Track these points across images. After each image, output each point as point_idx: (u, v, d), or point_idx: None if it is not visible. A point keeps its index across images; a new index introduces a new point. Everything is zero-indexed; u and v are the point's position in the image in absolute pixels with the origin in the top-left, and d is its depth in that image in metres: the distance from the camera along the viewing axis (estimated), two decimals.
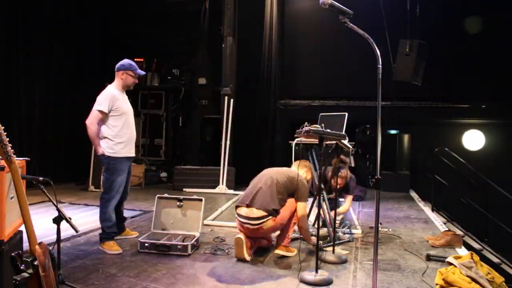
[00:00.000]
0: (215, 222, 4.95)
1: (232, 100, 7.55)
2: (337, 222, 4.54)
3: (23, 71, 7.05)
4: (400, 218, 5.60)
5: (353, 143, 4.51)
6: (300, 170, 3.73)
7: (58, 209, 2.50)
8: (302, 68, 9.08)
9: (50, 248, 2.08)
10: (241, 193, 7.12)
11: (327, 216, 4.26)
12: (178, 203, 4.10)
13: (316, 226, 3.29)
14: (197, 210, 4.08)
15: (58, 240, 2.57)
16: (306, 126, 3.32)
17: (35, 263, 1.90)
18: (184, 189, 7.28)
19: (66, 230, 2.93)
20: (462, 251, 4.00)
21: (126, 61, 3.94)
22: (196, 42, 8.81)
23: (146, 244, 3.71)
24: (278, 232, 3.74)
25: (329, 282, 3.07)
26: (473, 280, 2.92)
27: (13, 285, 1.81)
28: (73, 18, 8.09)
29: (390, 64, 7.51)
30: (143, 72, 4.14)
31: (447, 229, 4.85)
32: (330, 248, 3.74)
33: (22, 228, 2.52)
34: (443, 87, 8.11)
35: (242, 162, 8.02)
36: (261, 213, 3.46)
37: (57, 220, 2.51)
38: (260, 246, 3.84)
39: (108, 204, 3.80)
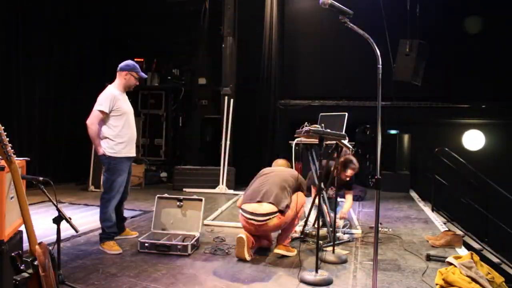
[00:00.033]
0: (215, 222, 4.95)
1: (232, 100, 7.55)
2: (340, 222, 4.55)
3: (23, 71, 7.05)
4: (400, 218, 5.60)
5: (353, 143, 4.52)
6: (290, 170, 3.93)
7: (58, 209, 2.50)
8: (302, 68, 9.08)
9: (50, 248, 2.08)
10: (241, 193, 7.15)
11: (327, 216, 4.26)
12: (178, 203, 4.10)
13: (316, 226, 3.29)
14: (197, 210, 4.08)
15: (58, 240, 2.57)
16: (306, 126, 3.32)
17: (35, 263, 1.90)
18: (184, 189, 7.28)
19: (66, 230, 2.93)
20: (462, 251, 4.00)
21: (130, 62, 3.96)
22: (196, 42, 8.81)
23: (146, 244, 3.71)
24: (278, 232, 3.75)
25: (329, 282, 3.07)
26: (473, 280, 2.92)
27: (13, 285, 1.81)
28: (73, 18, 8.09)
29: (390, 64, 7.51)
30: (145, 76, 4.17)
31: (447, 229, 4.85)
32: (330, 248, 3.74)
33: (22, 228, 2.52)
34: (443, 87, 8.11)
35: (242, 162, 8.02)
36: (272, 208, 3.44)
37: (57, 220, 2.51)
38: (261, 246, 3.83)
39: (109, 204, 3.80)
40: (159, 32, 8.97)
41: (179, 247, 3.66)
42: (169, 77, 9.09)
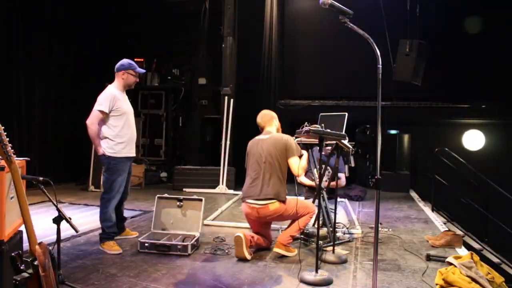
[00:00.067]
0: (215, 222, 4.95)
1: (232, 100, 7.55)
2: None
3: (23, 71, 7.05)
4: (400, 218, 5.59)
5: (353, 143, 4.51)
6: (272, 127, 3.96)
7: (58, 209, 2.50)
8: (302, 68, 9.08)
9: (50, 248, 2.08)
10: (241, 193, 7.15)
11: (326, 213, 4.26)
12: (178, 203, 4.10)
13: (316, 226, 3.29)
14: (197, 210, 4.08)
15: (58, 240, 2.57)
16: (306, 126, 3.32)
17: (35, 263, 1.90)
18: (184, 189, 7.28)
19: (66, 230, 2.93)
20: (462, 251, 4.00)
21: (125, 61, 3.95)
22: (196, 42, 8.81)
23: (146, 244, 3.71)
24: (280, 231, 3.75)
25: (329, 282, 3.07)
26: (473, 280, 2.92)
27: (13, 285, 1.81)
28: (73, 18, 8.09)
29: (390, 64, 7.51)
30: (143, 70, 4.15)
31: (447, 229, 4.85)
32: (330, 248, 3.74)
33: (22, 228, 2.52)
34: (443, 87, 8.12)
35: (242, 162, 8.01)
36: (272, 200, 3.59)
37: (57, 220, 2.51)
38: (260, 246, 3.84)
39: (109, 204, 3.80)
40: (159, 32, 8.98)
41: (179, 247, 3.66)
42: (169, 77, 9.10)
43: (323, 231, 4.10)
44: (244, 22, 8.03)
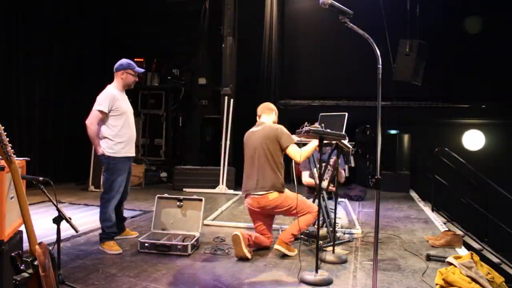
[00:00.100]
0: (215, 222, 4.95)
1: (232, 100, 7.55)
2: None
3: (23, 71, 7.05)
4: (400, 218, 5.59)
5: (353, 143, 4.51)
6: (269, 117, 3.98)
7: (58, 209, 2.50)
8: (302, 68, 9.08)
9: (50, 248, 2.08)
10: (241, 193, 7.15)
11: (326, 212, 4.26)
12: (178, 203, 4.10)
13: (316, 226, 3.29)
14: (197, 210, 4.08)
15: (58, 240, 2.57)
16: (306, 126, 3.32)
17: (35, 263, 1.90)
18: (184, 189, 7.28)
19: (66, 230, 2.93)
20: (462, 251, 4.00)
21: (124, 61, 3.95)
22: (196, 42, 8.81)
23: (146, 244, 3.71)
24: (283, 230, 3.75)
25: (329, 282, 3.07)
26: (473, 280, 2.92)
27: (13, 285, 1.81)
28: (73, 18, 8.09)
29: (390, 64, 7.51)
30: (142, 70, 4.14)
31: (447, 229, 4.85)
32: (330, 248, 3.74)
33: (22, 228, 2.52)
34: (443, 87, 8.12)
35: (242, 162, 8.00)
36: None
37: (57, 220, 2.51)
38: (260, 246, 3.84)
39: (108, 204, 3.79)
40: (159, 32, 8.98)
41: (179, 247, 3.66)
42: (169, 77, 9.09)
43: (323, 231, 4.11)
44: (244, 22, 8.03)
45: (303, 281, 3.07)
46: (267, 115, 3.99)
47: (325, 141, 3.39)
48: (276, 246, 3.69)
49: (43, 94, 7.49)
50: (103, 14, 8.95)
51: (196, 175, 7.47)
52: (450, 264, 3.23)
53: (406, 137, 8.32)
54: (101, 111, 3.72)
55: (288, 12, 9.11)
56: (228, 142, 7.44)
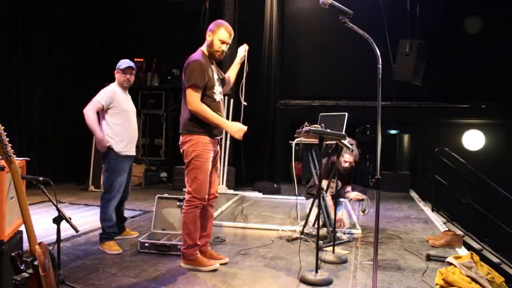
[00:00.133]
0: (215, 222, 4.94)
1: (232, 100, 7.55)
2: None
3: (23, 71, 7.05)
4: (400, 218, 5.60)
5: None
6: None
7: (58, 209, 2.50)
8: (302, 68, 9.08)
9: (50, 248, 2.08)
10: (241, 193, 7.18)
11: (330, 212, 4.26)
12: (178, 203, 4.10)
13: (316, 226, 3.29)
14: None
15: (58, 240, 2.57)
16: (306, 126, 3.32)
17: (35, 263, 1.90)
18: (184, 189, 7.26)
19: (66, 230, 2.93)
20: (462, 251, 4.00)
21: (120, 61, 3.94)
22: (196, 42, 8.73)
23: (146, 244, 3.71)
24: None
25: (329, 282, 3.07)
26: (473, 280, 2.92)
27: (13, 285, 1.81)
28: (73, 18, 8.09)
29: (390, 64, 7.51)
30: (126, 64, 3.89)
31: (447, 229, 4.85)
32: (330, 248, 3.74)
33: (22, 228, 2.52)
34: (443, 87, 8.12)
35: (242, 162, 8.02)
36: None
37: (57, 220, 2.51)
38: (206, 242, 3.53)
39: (109, 204, 3.78)
40: (159, 32, 8.98)
41: (179, 247, 3.66)
42: (169, 77, 9.09)
43: (323, 231, 4.11)
44: (244, 22, 8.03)
45: (303, 281, 3.07)
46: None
47: (325, 141, 3.39)
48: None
49: (43, 94, 7.49)
50: (103, 14, 8.95)
51: None
52: (450, 264, 3.23)
53: (406, 137, 8.32)
54: (98, 101, 3.72)
55: (288, 12, 9.11)
56: (228, 142, 7.44)
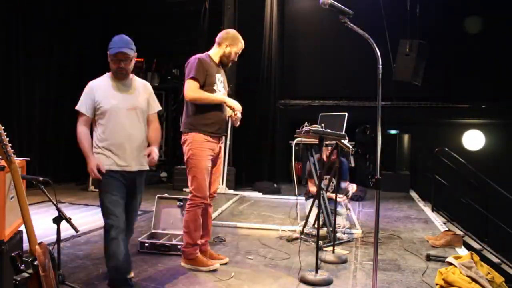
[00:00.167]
0: (215, 222, 4.95)
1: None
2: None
3: (23, 71, 7.05)
4: (400, 218, 5.59)
5: (353, 143, 4.51)
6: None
7: (58, 209, 2.50)
8: (302, 68, 9.09)
9: (50, 248, 2.08)
10: (241, 193, 7.18)
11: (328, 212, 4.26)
12: (178, 203, 4.10)
13: (316, 226, 3.29)
14: None
15: (58, 240, 2.57)
16: (306, 126, 3.32)
17: (35, 263, 1.90)
18: (184, 189, 7.27)
19: (66, 230, 2.92)
20: (462, 251, 4.00)
21: (112, 40, 3.10)
22: (196, 42, 8.80)
23: (146, 244, 3.71)
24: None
25: (329, 282, 3.07)
26: (473, 280, 2.92)
27: (13, 285, 1.81)
28: (73, 18, 8.09)
29: (390, 64, 7.51)
30: (117, 49, 3.01)
31: (447, 229, 4.85)
32: (330, 248, 3.74)
33: (22, 228, 2.52)
34: (443, 87, 8.12)
35: (242, 162, 8.02)
36: None
37: (57, 220, 2.51)
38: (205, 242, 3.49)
39: (108, 236, 2.67)
40: (159, 32, 8.97)
41: (179, 247, 3.66)
42: (169, 77, 9.09)
43: (323, 231, 4.11)
44: (244, 22, 8.03)
45: (303, 281, 3.07)
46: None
47: (325, 141, 3.39)
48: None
49: (43, 94, 7.49)
50: (103, 14, 8.95)
51: None
52: (450, 264, 3.23)
53: (406, 137, 8.32)
54: (78, 111, 2.89)
55: (288, 12, 9.11)
56: (228, 142, 7.43)
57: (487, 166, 7.14)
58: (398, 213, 5.94)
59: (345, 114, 4.36)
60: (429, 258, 3.66)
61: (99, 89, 2.91)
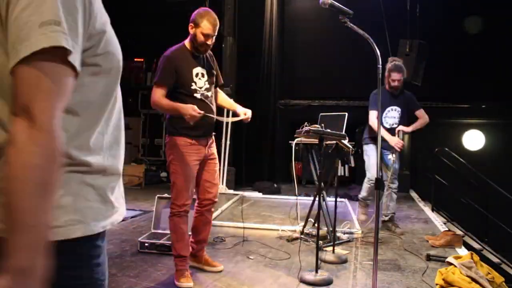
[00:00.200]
0: (215, 222, 4.94)
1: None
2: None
3: None
4: (400, 218, 5.59)
5: (353, 143, 4.51)
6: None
7: None
8: (302, 68, 9.09)
9: None
10: (241, 193, 7.17)
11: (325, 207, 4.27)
12: None
13: (316, 226, 3.30)
14: None
15: None
16: (306, 126, 3.32)
17: None
18: None
19: None
20: (462, 251, 4.00)
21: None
22: None
23: (146, 244, 3.71)
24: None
25: (329, 282, 3.07)
26: (473, 280, 2.92)
27: None
28: None
29: None
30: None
31: (447, 229, 4.85)
32: (330, 248, 3.74)
33: None
34: (443, 87, 8.12)
35: (242, 162, 8.02)
36: None
37: None
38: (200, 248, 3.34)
39: None
40: (159, 32, 8.96)
41: None
42: None
43: (323, 231, 4.11)
44: (244, 22, 8.03)
45: (303, 281, 3.07)
46: None
47: (325, 141, 3.39)
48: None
49: None
50: None
51: None
52: (450, 264, 3.23)
53: (406, 137, 8.31)
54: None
55: (288, 13, 9.12)
56: (228, 142, 7.44)
57: (487, 166, 7.13)
58: (398, 213, 5.93)
59: (345, 114, 4.36)
60: (429, 258, 3.67)
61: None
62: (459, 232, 5.05)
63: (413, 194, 7.68)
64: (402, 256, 3.83)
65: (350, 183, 7.58)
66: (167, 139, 3.03)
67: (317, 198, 3.66)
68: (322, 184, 3.96)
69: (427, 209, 6.27)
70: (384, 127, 4.55)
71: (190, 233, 3.26)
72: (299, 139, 3.76)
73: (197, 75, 3.01)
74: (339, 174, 4.63)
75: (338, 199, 4.64)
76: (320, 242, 3.53)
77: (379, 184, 2.41)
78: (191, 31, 3.02)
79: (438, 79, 7.87)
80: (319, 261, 3.23)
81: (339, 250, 3.88)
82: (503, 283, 3.10)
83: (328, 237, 4.13)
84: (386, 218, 4.72)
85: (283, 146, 7.86)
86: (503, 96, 7.89)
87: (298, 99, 9.03)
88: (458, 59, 7.98)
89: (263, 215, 5.49)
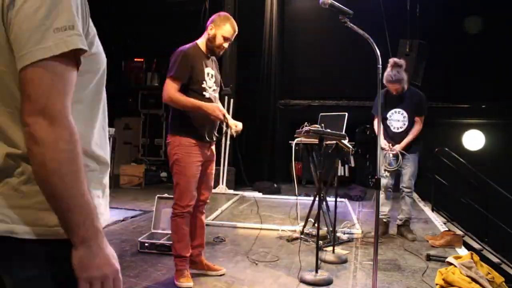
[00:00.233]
0: (215, 222, 4.95)
1: (232, 100, 7.55)
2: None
3: None
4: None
5: (353, 143, 4.51)
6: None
7: None
8: (302, 68, 9.09)
9: None
10: (241, 193, 7.17)
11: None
12: None
13: (316, 226, 3.30)
14: None
15: None
16: (306, 126, 3.32)
17: None
18: None
19: None
20: (462, 251, 4.00)
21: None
22: None
23: (146, 244, 3.71)
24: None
25: (329, 282, 3.07)
26: (473, 280, 2.92)
27: None
28: None
29: None
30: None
31: (447, 229, 4.85)
32: (330, 248, 3.74)
33: None
34: (443, 87, 8.11)
35: (242, 162, 8.02)
36: None
37: None
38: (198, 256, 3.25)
39: None
40: (159, 32, 8.97)
41: None
42: None
43: (323, 231, 4.11)
44: (244, 22, 8.02)
45: (303, 281, 3.07)
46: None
47: (325, 141, 3.39)
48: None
49: None
50: (103, 14, 8.93)
51: None
52: (450, 264, 3.23)
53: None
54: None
55: (288, 12, 9.12)
56: (228, 142, 7.44)
57: (487, 166, 7.13)
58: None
59: (345, 114, 4.36)
60: (429, 258, 3.67)
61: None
62: (459, 232, 5.05)
63: (413, 194, 7.66)
64: (402, 256, 3.83)
65: (350, 183, 7.58)
66: (169, 139, 2.99)
67: (317, 198, 3.66)
68: (322, 184, 3.96)
69: (427, 209, 6.27)
70: (391, 131, 4.53)
71: None
72: (299, 139, 3.76)
73: (208, 74, 2.99)
74: (339, 174, 4.64)
75: (338, 199, 4.64)
76: (320, 242, 3.53)
77: (378, 184, 2.41)
78: (211, 32, 2.93)
79: (438, 79, 7.86)
80: (319, 261, 3.23)
81: (339, 250, 3.88)
82: (503, 283, 3.10)
83: (328, 237, 4.13)
84: (400, 223, 4.58)
85: (283, 146, 7.86)
86: (503, 96, 7.89)
87: (298, 99, 9.03)
88: (458, 59, 7.98)
89: (263, 215, 5.49)
